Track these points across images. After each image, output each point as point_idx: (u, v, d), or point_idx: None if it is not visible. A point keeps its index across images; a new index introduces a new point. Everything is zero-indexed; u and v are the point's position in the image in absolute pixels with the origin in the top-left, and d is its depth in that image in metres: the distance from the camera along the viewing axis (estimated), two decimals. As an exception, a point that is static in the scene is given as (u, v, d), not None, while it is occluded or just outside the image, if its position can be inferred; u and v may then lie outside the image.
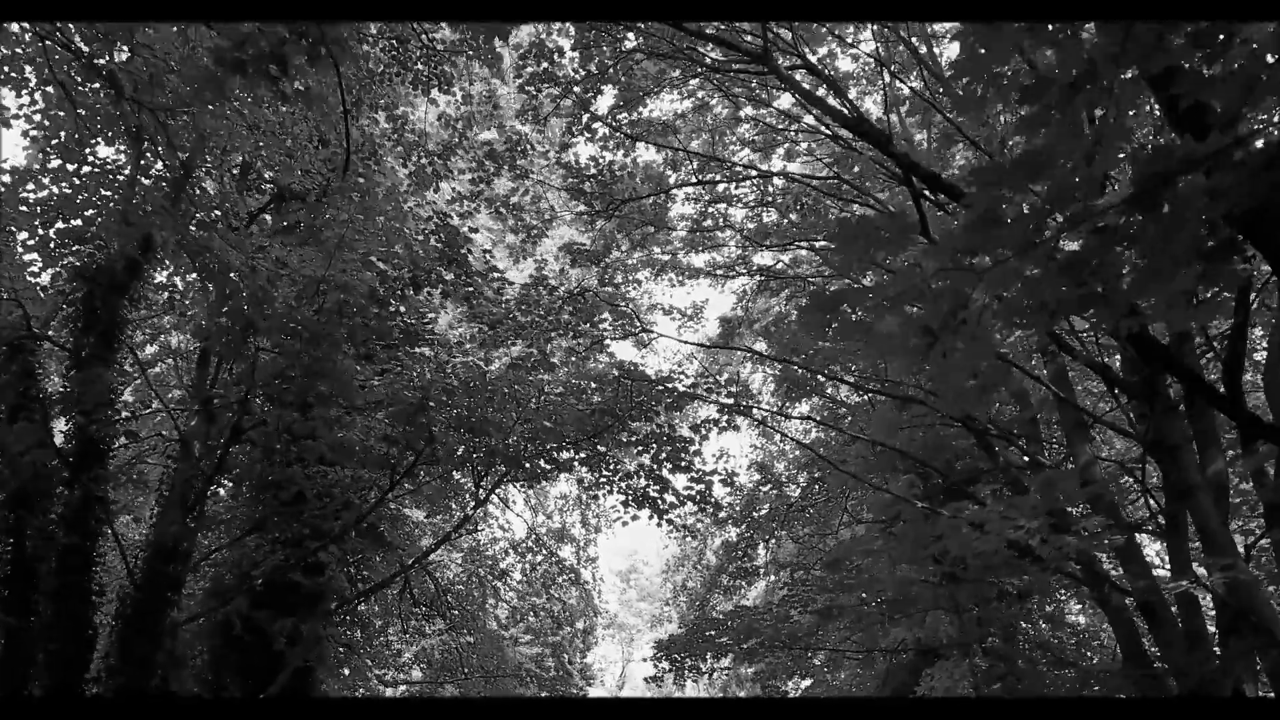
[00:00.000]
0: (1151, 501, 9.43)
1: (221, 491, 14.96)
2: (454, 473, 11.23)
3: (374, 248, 9.37)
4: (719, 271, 15.54)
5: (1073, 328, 8.24)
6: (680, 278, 14.90)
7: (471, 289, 9.72)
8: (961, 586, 12.23)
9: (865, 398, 14.03)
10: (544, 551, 18.31)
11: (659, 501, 12.52)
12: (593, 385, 11.42)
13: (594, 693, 29.16)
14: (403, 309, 10.19)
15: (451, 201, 10.79)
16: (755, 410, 12.85)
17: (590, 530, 19.31)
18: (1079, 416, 8.87)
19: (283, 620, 12.27)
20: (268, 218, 11.62)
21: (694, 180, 11.73)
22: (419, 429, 9.89)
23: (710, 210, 14.84)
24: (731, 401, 10.87)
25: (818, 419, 13.92)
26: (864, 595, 12.14)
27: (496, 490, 19.04)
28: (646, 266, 14.09)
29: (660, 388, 10.71)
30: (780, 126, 13.27)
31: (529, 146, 10.57)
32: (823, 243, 10.42)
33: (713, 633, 12.72)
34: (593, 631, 21.63)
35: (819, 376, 9.34)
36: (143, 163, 11.05)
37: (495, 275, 9.88)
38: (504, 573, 17.64)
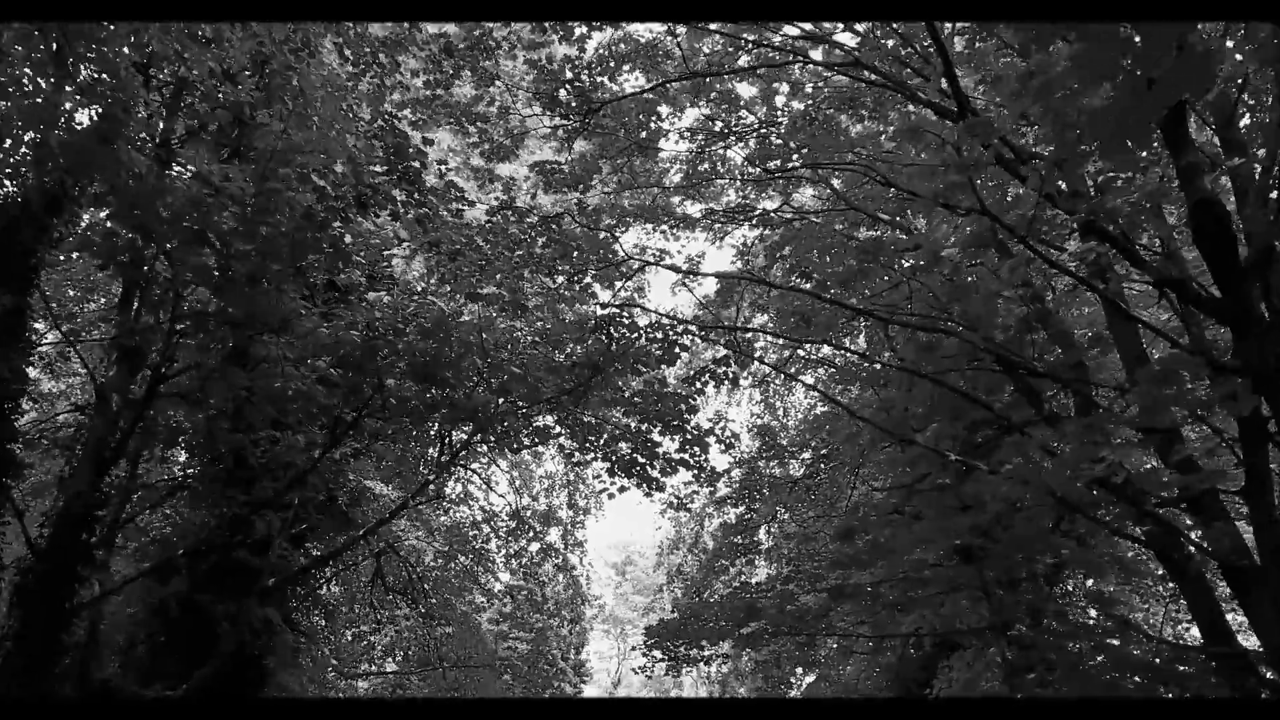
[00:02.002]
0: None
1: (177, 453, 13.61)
2: (412, 431, 9.81)
3: (311, 161, 7.95)
4: (717, 224, 14.13)
5: (1129, 241, 6.84)
6: (674, 229, 13.48)
7: (426, 210, 8.31)
8: (990, 562, 10.84)
9: (878, 366, 12.62)
10: (530, 533, 16.91)
11: (648, 468, 11.12)
12: (573, 333, 10.02)
13: (588, 691, 27.77)
14: (348, 238, 8.78)
15: (402, 107, 9.36)
16: (758, 357, 11.41)
17: (578, 512, 17.91)
18: (1140, 349, 7.46)
19: (228, 604, 10.90)
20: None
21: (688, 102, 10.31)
22: (366, 375, 8.50)
23: (707, 152, 13.45)
24: (729, 345, 9.47)
25: (832, 356, 12.47)
26: (873, 572, 10.74)
27: (473, 465, 17.67)
28: (639, 217, 12.66)
29: (650, 330, 9.32)
30: (781, 60, 11.87)
31: (494, 44, 9.14)
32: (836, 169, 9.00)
33: (709, 616, 11.31)
34: (581, 621, 20.22)
35: (834, 306, 7.91)
36: (69, 88, 9.67)
37: (454, 195, 8.46)
38: (481, 555, 16.24)
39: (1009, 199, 7.70)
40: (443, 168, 8.23)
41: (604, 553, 42.10)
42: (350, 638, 18.01)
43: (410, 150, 8.06)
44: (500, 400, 10.12)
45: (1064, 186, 6.74)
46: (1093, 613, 13.46)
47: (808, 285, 7.64)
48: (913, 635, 13.44)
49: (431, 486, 10.31)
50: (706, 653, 11.30)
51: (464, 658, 16.50)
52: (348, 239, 8.60)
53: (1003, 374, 8.48)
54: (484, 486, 18.14)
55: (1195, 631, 13.56)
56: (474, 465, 18.27)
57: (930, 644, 14.46)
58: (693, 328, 9.79)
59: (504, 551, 16.56)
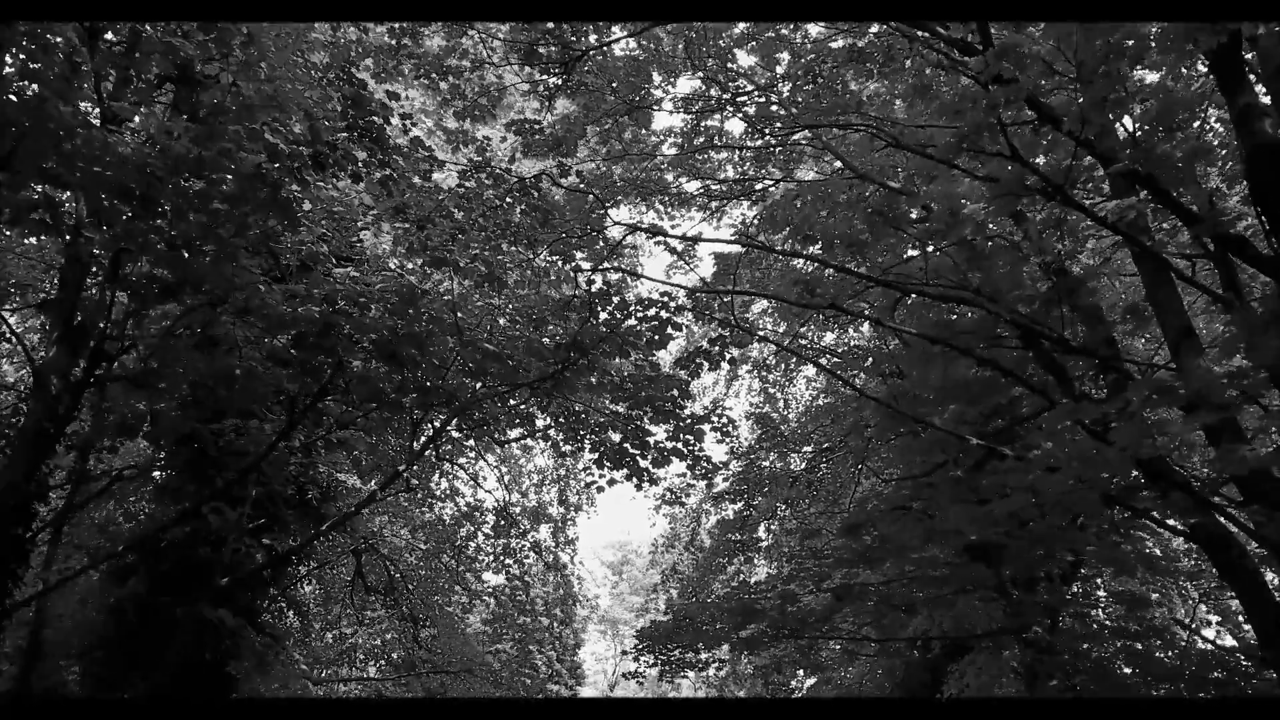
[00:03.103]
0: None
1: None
2: (390, 419, 9.02)
3: (262, 115, 7.16)
4: (714, 201, 13.35)
5: (1175, 194, 6.05)
6: (668, 206, 12.69)
7: (391, 172, 7.52)
8: (1007, 559, 10.06)
9: (887, 343, 11.84)
10: (516, 530, 16.11)
11: (639, 459, 10.33)
12: (557, 311, 9.24)
13: (584, 694, 26.98)
14: (306, 204, 7.99)
15: (363, 55, 8.54)
16: (760, 335, 10.62)
17: (570, 509, 17.11)
18: (1186, 320, 6.68)
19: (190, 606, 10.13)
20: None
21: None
22: (325, 353, 7.70)
23: (703, 126, 12.67)
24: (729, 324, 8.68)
25: (835, 346, 11.69)
26: (884, 571, 9.97)
27: (460, 460, 16.87)
28: (630, 192, 11.86)
29: (640, 307, 8.54)
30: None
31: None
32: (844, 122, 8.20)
33: (705, 618, 10.52)
34: (572, 622, 19.41)
35: (841, 274, 7.11)
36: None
37: (422, 154, 7.67)
38: (460, 551, 15.44)
39: (1038, 154, 6.91)
40: (407, 122, 7.43)
41: (600, 552, 41.33)
42: (331, 640, 17.23)
43: (373, 104, 7.26)
44: (479, 385, 9.34)
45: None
46: (1100, 613, 12.71)
47: (813, 249, 6.87)
48: (923, 638, 12.66)
49: (407, 478, 9.50)
50: (702, 657, 10.51)
51: (448, 662, 15.70)
52: (306, 205, 7.81)
53: (1025, 351, 7.71)
54: (471, 482, 17.35)
55: (1226, 634, 12.83)
56: (460, 460, 17.50)
57: (940, 647, 13.69)
58: (687, 304, 9.00)
59: (490, 550, 15.75)
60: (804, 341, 16.50)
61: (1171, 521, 6.69)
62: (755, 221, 13.10)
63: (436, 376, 8.39)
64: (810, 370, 17.21)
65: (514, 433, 15.84)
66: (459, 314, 8.88)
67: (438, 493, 16.33)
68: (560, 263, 8.72)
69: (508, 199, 8.30)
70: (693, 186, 12.75)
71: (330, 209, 8.13)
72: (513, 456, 17.96)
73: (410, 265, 9.38)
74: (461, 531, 15.73)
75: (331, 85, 7.11)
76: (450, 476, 17.36)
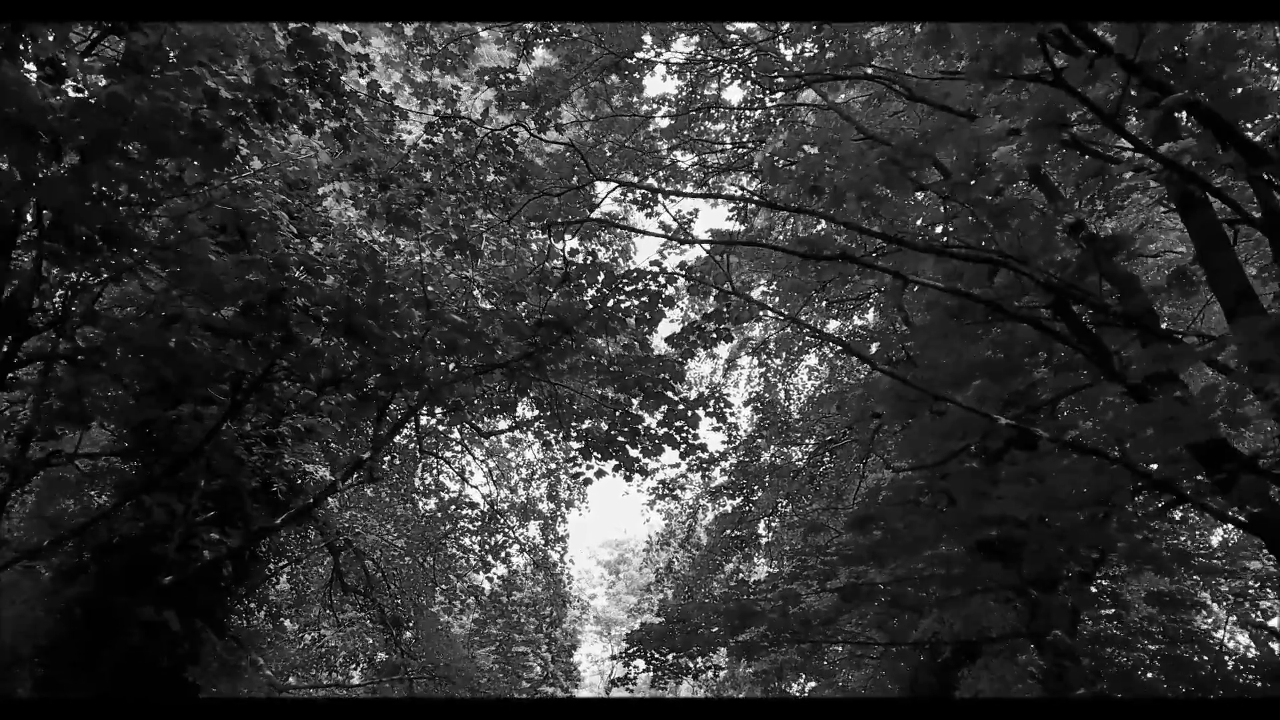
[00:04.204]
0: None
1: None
2: (338, 397, 8.22)
3: (198, 57, 6.36)
4: (711, 177, 12.56)
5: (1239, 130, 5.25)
6: (663, 182, 11.88)
7: (347, 121, 6.71)
8: (1027, 557, 9.26)
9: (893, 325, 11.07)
10: (495, 525, 15.30)
11: (629, 447, 9.53)
12: (538, 284, 8.44)
13: (580, 695, 26.17)
14: (255, 162, 7.19)
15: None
16: (760, 302, 9.80)
17: (560, 504, 16.30)
18: (1245, 281, 5.87)
19: (145, 608, 9.34)
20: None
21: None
22: (273, 326, 6.89)
23: (699, 94, 11.88)
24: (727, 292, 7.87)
25: (841, 330, 10.86)
26: (892, 569, 9.17)
27: (445, 455, 16.05)
28: (619, 162, 11.05)
29: (629, 279, 7.74)
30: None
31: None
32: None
33: (700, 620, 9.70)
34: (562, 623, 18.58)
35: (852, 232, 6.30)
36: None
37: (381, 102, 6.85)
38: (436, 546, 14.62)
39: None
40: (364, 64, 6.61)
41: (597, 551, 40.48)
42: (309, 641, 16.42)
43: (325, 45, 6.45)
44: (451, 366, 8.53)
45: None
46: (1129, 614, 11.93)
47: (819, 204, 6.06)
48: (933, 641, 11.87)
49: (369, 467, 8.70)
50: (697, 663, 9.70)
51: (432, 666, 14.88)
52: (255, 163, 7.00)
53: (1052, 323, 6.90)
54: (457, 477, 16.54)
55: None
56: (446, 454, 16.69)
57: (949, 650, 12.89)
58: (679, 275, 8.19)
59: (476, 548, 14.94)
60: (806, 332, 15.71)
61: (1229, 511, 5.87)
62: (755, 183, 12.28)
63: (401, 354, 7.58)
64: (812, 359, 16.41)
65: (502, 424, 15.05)
66: (429, 287, 8.09)
67: (420, 486, 15.52)
68: (538, 230, 7.92)
69: (480, 156, 7.48)
70: (688, 161, 11.95)
71: (284, 167, 7.33)
72: (501, 450, 17.15)
73: (379, 237, 8.59)
74: (444, 528, 14.90)
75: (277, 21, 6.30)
76: (434, 471, 16.56)
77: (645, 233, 8.82)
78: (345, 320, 6.95)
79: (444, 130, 7.33)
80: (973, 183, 5.92)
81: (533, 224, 8.02)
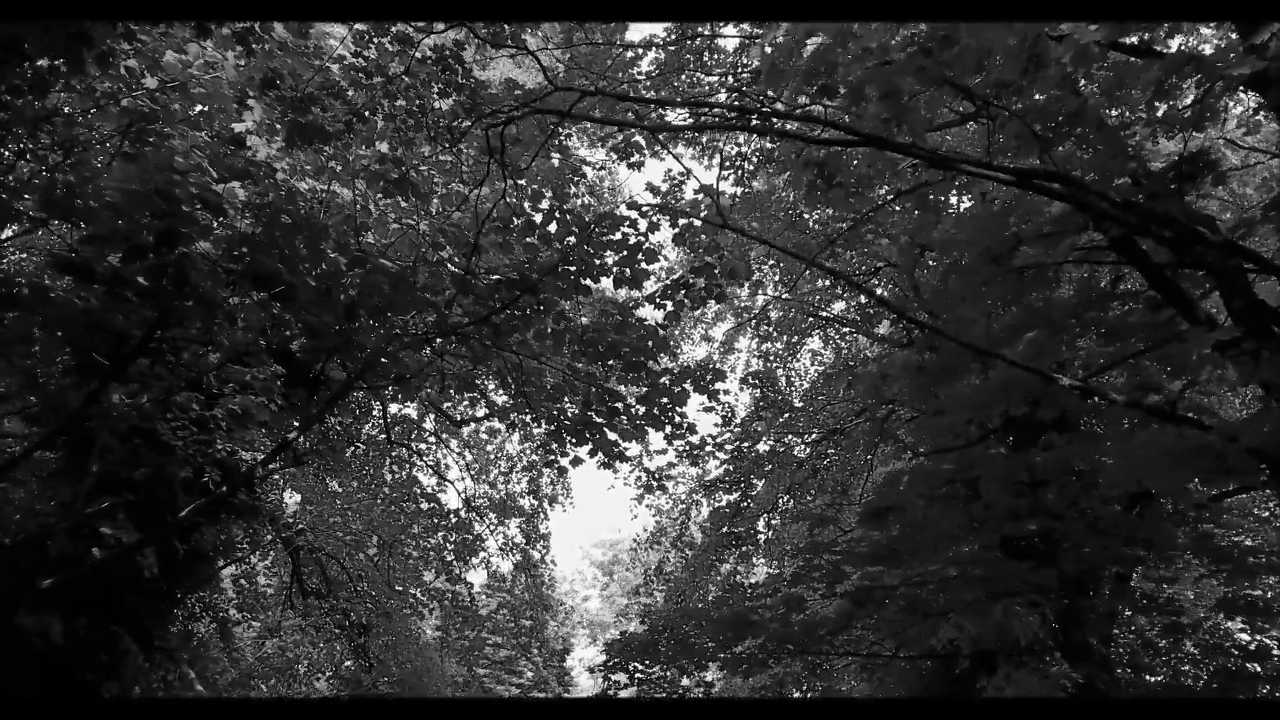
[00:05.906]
0: None
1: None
2: (260, 368, 6.96)
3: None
4: (704, 135, 11.34)
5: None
6: (650, 141, 10.63)
7: (251, 23, 5.46)
8: (1063, 555, 8.03)
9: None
10: (484, 523, 14.05)
11: (606, 430, 8.26)
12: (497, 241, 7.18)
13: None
14: (131, 61, 5.95)
15: None
16: (756, 274, 8.57)
17: (543, 500, 15.02)
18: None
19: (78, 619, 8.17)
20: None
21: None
22: (162, 275, 5.63)
23: (690, 44, 10.68)
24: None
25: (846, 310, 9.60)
26: (913, 569, 7.93)
27: (419, 446, 14.80)
28: (597, 106, 9.79)
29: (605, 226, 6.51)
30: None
31: None
32: None
33: (691, 629, 8.43)
34: (544, 629, 17.30)
35: (873, 150, 5.05)
36: None
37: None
38: (401, 545, 13.36)
39: None
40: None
41: (590, 551, 39.16)
42: (269, 650, 15.15)
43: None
44: (395, 330, 7.25)
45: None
46: (1182, 620, 10.69)
47: (832, 109, 4.82)
48: (951, 652, 10.63)
49: (294, 449, 7.44)
50: (685, 683, 8.43)
51: (401, 676, 13.63)
52: (131, 63, 5.76)
53: (1118, 266, 5.68)
54: (431, 471, 15.28)
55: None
56: (420, 446, 15.44)
57: (967, 659, 11.63)
58: (663, 219, 6.93)
59: (447, 547, 13.67)
60: (810, 321, 14.47)
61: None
62: (756, 85, 10.98)
63: (328, 313, 6.31)
64: (816, 343, 15.15)
65: (475, 411, 13.77)
66: (368, 237, 6.86)
67: (390, 480, 14.27)
68: (492, 163, 6.64)
69: (422, 75, 6.23)
70: (678, 117, 10.69)
71: (185, 81, 6.07)
72: (480, 443, 15.88)
73: (314, 185, 7.30)
74: (415, 528, 13.64)
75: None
76: (407, 465, 15.30)
77: (620, 124, 7.55)
78: (251, 265, 5.69)
79: (377, 41, 6.08)
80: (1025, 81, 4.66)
81: (484, 157, 6.75)
